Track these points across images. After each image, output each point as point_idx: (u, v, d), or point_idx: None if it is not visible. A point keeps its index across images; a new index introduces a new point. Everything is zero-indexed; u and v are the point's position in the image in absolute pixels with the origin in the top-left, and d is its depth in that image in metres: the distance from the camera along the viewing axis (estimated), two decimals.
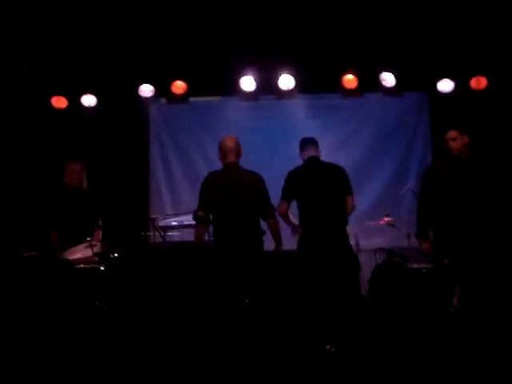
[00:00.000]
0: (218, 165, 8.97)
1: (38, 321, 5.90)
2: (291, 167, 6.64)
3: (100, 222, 6.88)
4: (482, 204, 5.96)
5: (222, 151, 6.27)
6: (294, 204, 6.49)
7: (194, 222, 7.33)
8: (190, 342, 5.86)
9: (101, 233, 6.77)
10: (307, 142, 6.67)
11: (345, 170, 6.55)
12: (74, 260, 6.35)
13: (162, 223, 7.36)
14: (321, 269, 6.19)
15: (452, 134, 5.99)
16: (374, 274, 6.58)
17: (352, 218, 8.22)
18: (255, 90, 8.24)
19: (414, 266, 6.18)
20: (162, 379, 4.99)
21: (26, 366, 5.14)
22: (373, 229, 7.68)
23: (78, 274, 6.23)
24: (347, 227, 6.52)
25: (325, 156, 8.41)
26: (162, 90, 8.34)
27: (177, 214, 7.52)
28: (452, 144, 5.98)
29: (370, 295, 6.54)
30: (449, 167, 6.05)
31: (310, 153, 6.58)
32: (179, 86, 8.27)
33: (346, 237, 6.48)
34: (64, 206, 6.77)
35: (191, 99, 8.51)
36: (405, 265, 6.31)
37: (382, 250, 7.29)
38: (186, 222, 7.37)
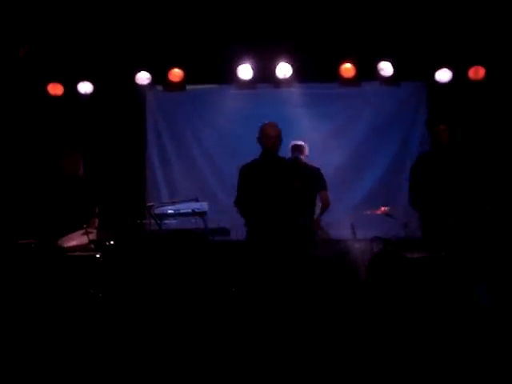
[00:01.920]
0: (215, 152, 9.05)
1: (33, 309, 5.90)
2: (288, 155, 7.01)
3: (96, 210, 6.86)
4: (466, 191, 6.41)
5: None
6: None
7: (190, 211, 7.34)
8: (187, 329, 5.87)
9: (97, 220, 6.75)
10: (295, 148, 7.39)
11: (320, 170, 7.33)
12: (70, 247, 6.34)
13: (157, 211, 7.33)
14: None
15: (442, 126, 6.55)
16: (372, 262, 6.59)
17: (349, 208, 8.29)
18: (252, 79, 8.22)
19: (411, 255, 6.20)
20: (158, 366, 4.99)
21: (21, 354, 5.13)
22: (369, 218, 7.65)
23: (74, 262, 6.22)
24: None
25: (321, 145, 8.46)
26: (159, 77, 8.33)
27: (173, 202, 7.49)
28: (444, 136, 6.52)
29: (367, 284, 6.55)
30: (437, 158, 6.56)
31: (294, 154, 7.32)
32: (176, 74, 8.25)
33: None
34: (60, 193, 6.75)
35: (188, 87, 8.48)
36: (402, 254, 6.32)
37: (378, 239, 7.28)
38: (182, 210, 7.36)
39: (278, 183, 5.95)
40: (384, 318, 6.06)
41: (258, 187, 5.94)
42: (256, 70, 8.14)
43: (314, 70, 8.25)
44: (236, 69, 8.12)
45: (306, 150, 7.47)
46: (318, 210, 7.44)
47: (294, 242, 5.84)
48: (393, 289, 6.22)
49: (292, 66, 8.09)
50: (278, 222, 5.82)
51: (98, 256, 6.32)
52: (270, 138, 6.11)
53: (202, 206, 7.27)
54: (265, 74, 8.21)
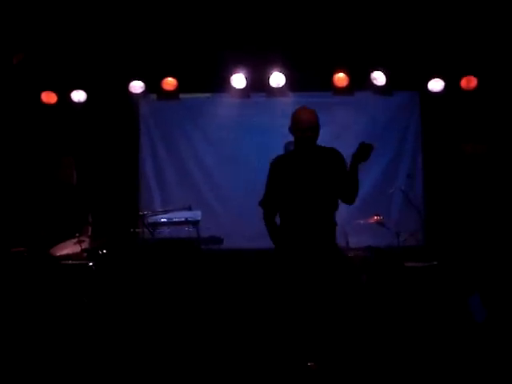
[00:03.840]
0: (208, 161, 9.05)
1: (25, 317, 5.88)
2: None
3: (89, 218, 6.86)
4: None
5: None
6: None
7: (183, 219, 7.33)
8: (179, 337, 5.86)
9: (90, 229, 6.75)
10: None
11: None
12: (62, 256, 6.33)
13: (151, 220, 7.33)
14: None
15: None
16: (370, 271, 6.60)
17: (342, 216, 8.26)
18: (246, 88, 8.23)
19: (409, 264, 6.22)
20: (151, 374, 4.98)
21: (13, 362, 5.12)
22: (362, 227, 7.66)
23: (67, 270, 6.22)
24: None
25: None
26: (153, 86, 8.33)
27: (166, 211, 7.48)
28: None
29: (366, 292, 6.56)
30: None
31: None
32: (170, 83, 8.26)
33: None
34: (53, 200, 6.75)
35: (182, 96, 8.49)
36: (400, 263, 6.34)
37: (371, 248, 7.29)
38: (175, 219, 7.35)
39: (318, 178, 4.88)
40: (383, 323, 6.08)
41: (291, 184, 4.83)
42: (249, 79, 8.16)
43: (308, 80, 8.27)
44: (230, 78, 8.14)
45: None
46: None
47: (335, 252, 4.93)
48: (391, 297, 6.23)
49: (285, 75, 8.12)
50: (319, 227, 4.90)
51: (90, 265, 6.31)
52: (302, 131, 4.96)
53: (196, 214, 7.27)
54: (258, 83, 8.22)
